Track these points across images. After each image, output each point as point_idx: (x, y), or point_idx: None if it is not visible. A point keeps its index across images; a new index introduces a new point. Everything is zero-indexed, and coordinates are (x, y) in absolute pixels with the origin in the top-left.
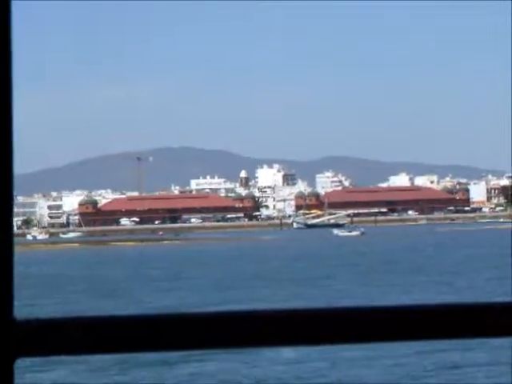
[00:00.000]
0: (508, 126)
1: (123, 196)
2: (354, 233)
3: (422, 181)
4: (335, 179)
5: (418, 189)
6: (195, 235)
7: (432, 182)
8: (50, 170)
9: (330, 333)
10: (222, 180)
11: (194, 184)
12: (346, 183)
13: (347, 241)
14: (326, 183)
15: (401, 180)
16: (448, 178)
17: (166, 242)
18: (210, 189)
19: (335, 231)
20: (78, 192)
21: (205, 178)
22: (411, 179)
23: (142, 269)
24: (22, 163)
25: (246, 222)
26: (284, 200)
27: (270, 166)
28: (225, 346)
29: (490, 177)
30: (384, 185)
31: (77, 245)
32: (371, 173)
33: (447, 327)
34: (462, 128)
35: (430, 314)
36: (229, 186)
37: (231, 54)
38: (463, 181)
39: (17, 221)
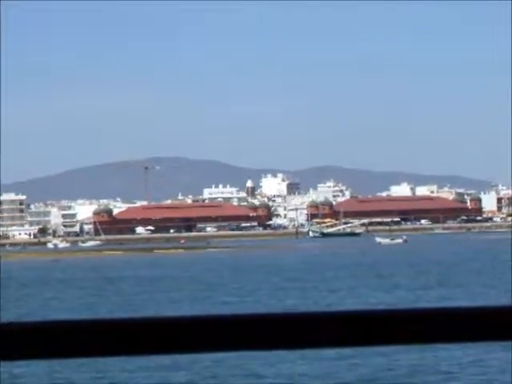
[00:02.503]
0: (499, 137)
1: (137, 205)
2: (397, 241)
3: (422, 191)
4: (336, 188)
5: (431, 198)
6: (228, 243)
7: (432, 192)
8: (42, 179)
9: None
10: (234, 189)
11: (206, 193)
12: (347, 193)
13: (399, 249)
14: (327, 192)
15: (402, 190)
16: (446, 188)
17: (213, 249)
18: (222, 198)
19: (378, 239)
20: (81, 201)
21: (217, 187)
22: (412, 189)
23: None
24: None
25: (260, 230)
26: (296, 209)
27: (274, 176)
28: (222, 349)
29: (500, 187)
30: (384, 194)
31: (121, 252)
32: (364, 182)
33: (459, 331)
34: (452, 138)
35: (441, 318)
36: (242, 195)
37: (208, 68)
38: (460, 191)
39: (33, 229)
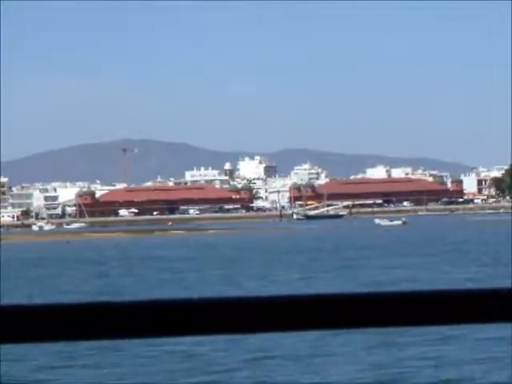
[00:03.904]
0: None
1: (119, 187)
2: (396, 222)
3: (397, 173)
4: (312, 171)
5: (411, 180)
6: (219, 225)
7: (407, 174)
8: (17, 161)
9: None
10: (216, 172)
11: (188, 175)
12: (323, 175)
13: (407, 230)
14: (304, 175)
15: (378, 172)
16: (420, 171)
17: (211, 231)
18: (204, 180)
19: (377, 221)
20: (58, 183)
21: (199, 169)
22: (388, 171)
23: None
24: None
25: (243, 213)
26: (278, 191)
27: (252, 158)
28: (220, 331)
29: (480, 168)
30: (359, 176)
31: (121, 233)
32: (338, 165)
33: (453, 312)
34: (419, 121)
35: (432, 300)
36: (224, 178)
37: (181, 53)
38: (434, 172)
39: (16, 212)
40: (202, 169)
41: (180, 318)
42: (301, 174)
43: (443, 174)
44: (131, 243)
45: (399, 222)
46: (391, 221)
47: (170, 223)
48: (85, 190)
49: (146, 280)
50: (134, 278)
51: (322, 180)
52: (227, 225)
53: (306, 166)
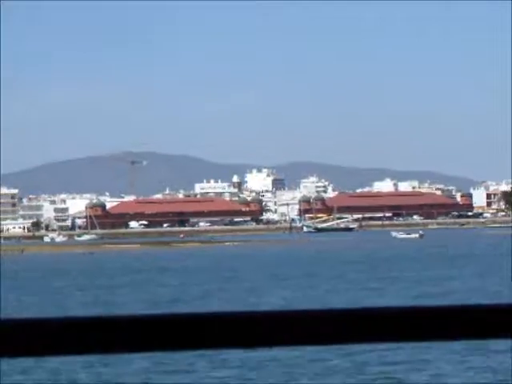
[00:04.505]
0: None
1: (130, 199)
2: (413, 235)
3: (404, 186)
4: (320, 184)
5: (422, 194)
6: (232, 238)
7: (414, 188)
8: (21, 173)
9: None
10: (225, 184)
11: (198, 188)
12: (330, 188)
13: (426, 243)
14: (311, 188)
15: (386, 185)
16: (427, 184)
17: (227, 243)
18: (214, 193)
19: (394, 234)
20: (66, 195)
21: (208, 181)
22: (395, 185)
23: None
24: None
25: (253, 225)
26: (287, 204)
27: (259, 171)
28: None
29: (489, 182)
30: (366, 190)
31: (138, 246)
32: (344, 178)
33: (451, 328)
34: (423, 135)
35: (429, 315)
36: (233, 190)
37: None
38: (440, 186)
39: (27, 223)
40: (212, 181)
41: (181, 333)
42: (309, 186)
43: (450, 187)
44: (155, 254)
45: (416, 235)
46: (408, 234)
47: (182, 235)
48: (95, 201)
49: (212, 289)
50: (199, 286)
51: (330, 193)
52: (239, 237)
53: (314, 178)
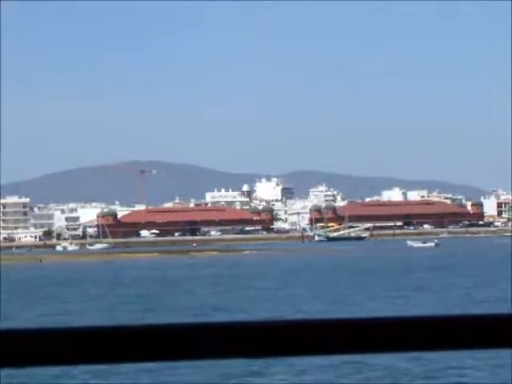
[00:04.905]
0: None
1: (140, 208)
2: (429, 244)
3: (412, 195)
4: (328, 193)
5: (432, 203)
6: (248, 246)
7: (423, 197)
8: (28, 182)
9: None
10: (236, 193)
11: (208, 197)
12: (338, 197)
13: (439, 252)
14: (320, 197)
15: (395, 194)
16: (435, 193)
17: (246, 252)
18: (225, 201)
19: (409, 242)
20: (80, 204)
21: (219, 190)
22: (404, 194)
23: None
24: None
25: (264, 234)
26: (298, 213)
27: (268, 180)
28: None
29: (500, 191)
30: (375, 199)
31: (156, 254)
32: (352, 187)
33: (457, 338)
34: (428, 145)
35: (435, 325)
36: (244, 199)
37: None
38: (448, 195)
39: (38, 232)
40: (223, 190)
41: (175, 343)
42: (318, 196)
43: (458, 196)
44: (175, 263)
45: (432, 244)
46: (424, 242)
47: (194, 244)
48: (106, 210)
49: (253, 297)
50: (237, 294)
51: (339, 202)
52: (254, 245)
53: (322, 188)
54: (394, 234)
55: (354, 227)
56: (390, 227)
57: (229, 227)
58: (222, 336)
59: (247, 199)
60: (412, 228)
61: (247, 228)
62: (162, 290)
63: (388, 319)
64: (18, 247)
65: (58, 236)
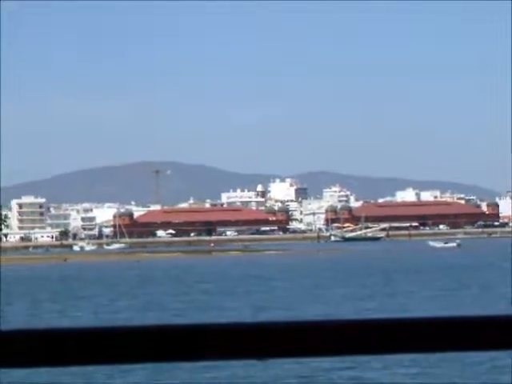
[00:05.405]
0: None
1: (156, 208)
2: (451, 244)
3: (425, 196)
4: (342, 193)
5: (449, 203)
6: (267, 247)
7: (436, 197)
8: (40, 182)
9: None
10: (252, 193)
11: (224, 197)
12: (352, 198)
13: (463, 252)
14: (333, 197)
15: (408, 195)
16: (448, 194)
17: (268, 252)
18: (240, 202)
19: (431, 243)
20: (94, 204)
21: (235, 191)
22: (417, 194)
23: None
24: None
25: (280, 234)
26: (314, 213)
27: (283, 181)
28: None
29: None
30: (388, 199)
31: (178, 253)
32: (364, 188)
33: (449, 340)
34: (439, 146)
35: (431, 327)
36: (260, 199)
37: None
38: (461, 196)
39: (55, 232)
40: (238, 190)
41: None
42: (332, 196)
43: (471, 197)
44: (206, 263)
45: (454, 245)
46: (446, 243)
47: (212, 244)
48: (122, 210)
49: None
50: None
51: (353, 202)
52: (273, 245)
53: (336, 188)
54: (410, 235)
55: (370, 227)
56: (406, 228)
57: (244, 227)
58: (221, 336)
59: (263, 199)
60: (428, 228)
61: (263, 228)
62: (242, 287)
63: (388, 319)
64: (34, 247)
65: (74, 236)
